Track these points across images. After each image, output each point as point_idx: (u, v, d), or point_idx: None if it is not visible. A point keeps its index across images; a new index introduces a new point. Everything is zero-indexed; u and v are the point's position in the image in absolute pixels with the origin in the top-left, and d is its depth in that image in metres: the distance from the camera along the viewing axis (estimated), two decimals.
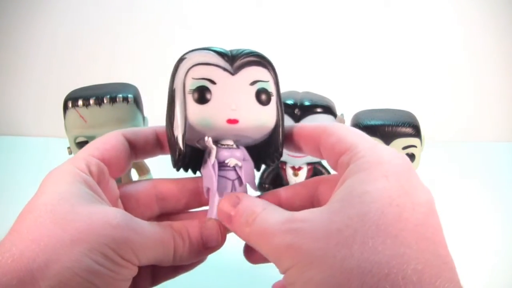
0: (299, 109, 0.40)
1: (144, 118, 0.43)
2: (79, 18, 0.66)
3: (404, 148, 0.40)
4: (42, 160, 0.60)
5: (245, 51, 0.25)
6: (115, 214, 0.21)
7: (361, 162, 0.21)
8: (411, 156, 0.40)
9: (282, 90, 0.27)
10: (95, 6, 0.66)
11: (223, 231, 0.25)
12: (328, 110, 0.40)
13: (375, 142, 0.23)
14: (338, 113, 0.42)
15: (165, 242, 0.23)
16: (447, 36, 0.66)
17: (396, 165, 0.21)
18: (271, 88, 0.26)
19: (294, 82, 0.44)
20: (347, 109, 0.44)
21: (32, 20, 0.66)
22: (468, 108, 0.69)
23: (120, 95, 0.39)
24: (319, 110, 0.40)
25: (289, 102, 0.40)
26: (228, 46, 0.25)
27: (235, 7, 0.65)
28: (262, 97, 0.25)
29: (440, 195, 0.50)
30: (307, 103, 0.40)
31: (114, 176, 0.26)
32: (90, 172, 0.24)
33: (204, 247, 0.24)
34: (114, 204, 0.26)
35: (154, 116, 0.47)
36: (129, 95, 0.39)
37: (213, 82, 0.24)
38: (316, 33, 0.66)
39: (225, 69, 0.24)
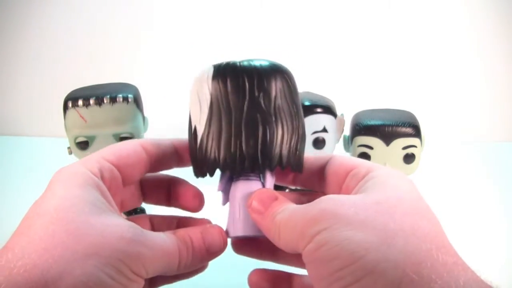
0: None
1: (144, 118, 0.43)
2: (79, 18, 0.66)
3: (404, 148, 0.39)
4: (42, 160, 0.60)
5: None
6: (127, 228, 0.21)
7: (381, 171, 0.23)
8: (411, 156, 0.40)
9: None
10: (95, 6, 0.66)
11: (225, 236, 0.25)
12: (328, 110, 0.40)
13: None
14: (338, 113, 0.42)
15: (171, 252, 0.23)
16: (447, 36, 0.66)
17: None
18: None
19: None
20: (347, 109, 0.44)
21: (32, 20, 0.66)
22: (469, 108, 0.69)
23: (120, 95, 0.39)
24: (319, 110, 0.40)
25: None
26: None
27: (236, 7, 0.65)
28: None
29: (440, 195, 0.50)
30: (307, 103, 0.40)
31: (125, 185, 0.26)
32: (102, 177, 0.23)
33: (206, 252, 0.24)
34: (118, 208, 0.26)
35: (154, 116, 0.47)
36: (129, 95, 0.39)
37: None
38: (316, 33, 0.66)
39: None
